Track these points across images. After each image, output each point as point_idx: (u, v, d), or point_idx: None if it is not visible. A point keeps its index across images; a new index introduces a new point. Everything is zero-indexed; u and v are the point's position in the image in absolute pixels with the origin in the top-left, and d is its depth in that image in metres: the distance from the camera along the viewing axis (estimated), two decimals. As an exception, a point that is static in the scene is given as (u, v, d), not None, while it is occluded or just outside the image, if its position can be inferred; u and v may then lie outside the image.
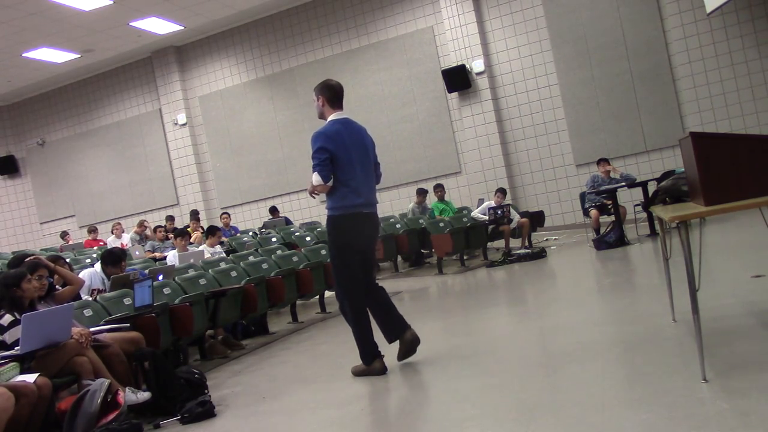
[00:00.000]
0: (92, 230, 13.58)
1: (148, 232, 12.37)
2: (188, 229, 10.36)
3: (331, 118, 4.49)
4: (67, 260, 5.97)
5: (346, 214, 4.41)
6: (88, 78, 16.35)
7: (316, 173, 4.30)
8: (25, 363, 4.12)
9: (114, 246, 10.08)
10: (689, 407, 2.83)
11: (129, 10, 12.45)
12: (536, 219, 10.86)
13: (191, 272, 7.08)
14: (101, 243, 12.72)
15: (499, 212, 10.02)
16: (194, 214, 12.84)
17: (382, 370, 4.42)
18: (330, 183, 4.34)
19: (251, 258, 7.99)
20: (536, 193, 12.61)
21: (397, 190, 13.44)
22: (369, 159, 4.54)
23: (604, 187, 9.60)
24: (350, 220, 4.42)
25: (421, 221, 10.82)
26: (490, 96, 12.71)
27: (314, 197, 4.78)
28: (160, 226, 11.50)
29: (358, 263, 4.48)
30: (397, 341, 4.56)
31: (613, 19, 11.92)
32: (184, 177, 15.42)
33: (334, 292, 5.05)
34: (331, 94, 4.50)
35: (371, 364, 4.44)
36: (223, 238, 10.14)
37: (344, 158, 4.35)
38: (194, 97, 15.39)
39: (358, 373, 4.50)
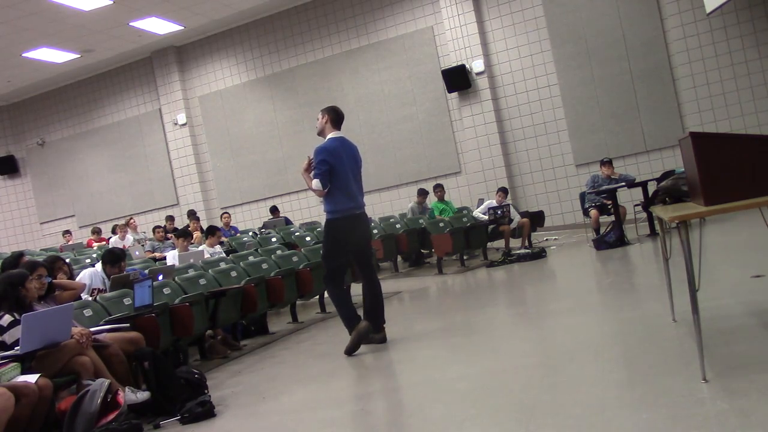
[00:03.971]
0: (96, 231, 13.59)
1: (139, 234, 12.37)
2: (189, 229, 10.34)
3: (330, 135, 5.35)
4: (67, 260, 5.95)
5: (342, 217, 5.28)
6: (88, 78, 16.33)
7: (317, 180, 5.20)
8: (26, 363, 4.12)
9: (115, 246, 10.08)
10: (689, 407, 2.83)
11: (129, 10, 12.45)
12: (536, 219, 10.85)
13: (191, 272, 7.07)
14: (104, 241, 12.73)
15: (499, 212, 10.02)
16: (192, 214, 12.84)
17: (367, 327, 5.18)
18: (326, 189, 5.21)
19: (251, 258, 7.98)
20: (536, 193, 12.61)
21: (397, 190, 13.45)
22: (359, 170, 5.46)
23: (604, 187, 9.60)
24: (345, 221, 5.29)
25: (421, 221, 10.82)
26: (490, 96, 12.71)
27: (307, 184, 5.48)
28: (159, 227, 11.49)
29: (346, 256, 5.42)
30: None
31: (613, 19, 11.91)
32: (184, 177, 15.42)
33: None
34: (335, 117, 5.39)
35: (356, 326, 5.18)
36: (223, 238, 10.13)
37: (341, 170, 5.24)
38: (194, 97, 15.38)
39: (349, 349, 5.14)
